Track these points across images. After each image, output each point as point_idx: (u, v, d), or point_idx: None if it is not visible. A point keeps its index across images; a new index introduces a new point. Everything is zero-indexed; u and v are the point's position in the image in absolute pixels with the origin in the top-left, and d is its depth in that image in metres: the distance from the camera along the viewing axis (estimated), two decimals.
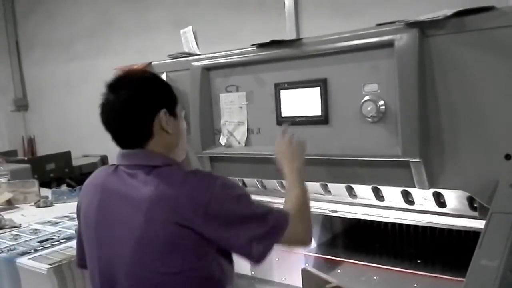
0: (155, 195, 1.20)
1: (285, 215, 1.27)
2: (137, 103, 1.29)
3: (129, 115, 1.29)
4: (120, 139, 1.33)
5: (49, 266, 1.72)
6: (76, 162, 4.80)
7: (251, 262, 1.27)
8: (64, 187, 3.16)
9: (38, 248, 1.94)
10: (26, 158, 4.79)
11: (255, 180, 2.00)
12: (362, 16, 3.37)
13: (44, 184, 3.75)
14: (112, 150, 2.29)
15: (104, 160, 4.90)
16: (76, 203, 2.78)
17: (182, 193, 1.19)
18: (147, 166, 1.27)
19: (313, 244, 2.01)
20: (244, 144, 1.79)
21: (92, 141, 5.31)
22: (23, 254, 1.89)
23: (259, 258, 1.21)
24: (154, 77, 1.39)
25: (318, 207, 1.91)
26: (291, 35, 3.77)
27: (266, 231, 1.22)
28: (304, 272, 1.48)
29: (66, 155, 4.70)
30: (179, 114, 1.38)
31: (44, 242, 2.02)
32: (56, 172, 4.49)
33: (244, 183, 2.07)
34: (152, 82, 1.36)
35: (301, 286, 1.55)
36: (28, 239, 2.11)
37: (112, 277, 1.29)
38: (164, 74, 1.96)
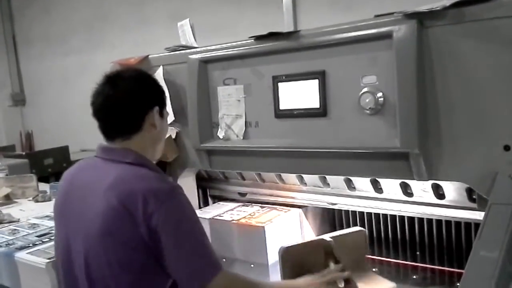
0: (111, 183, 1.27)
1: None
2: (136, 96, 1.38)
3: (126, 106, 1.36)
4: (109, 128, 1.39)
5: (48, 260, 1.72)
6: (74, 156, 4.77)
7: None
8: None
9: (37, 243, 1.94)
10: (24, 153, 4.77)
11: (254, 173, 2.00)
12: (361, 8, 3.35)
13: (42, 178, 3.74)
14: None
15: None
16: None
17: (136, 198, 1.22)
18: (120, 161, 1.34)
19: (313, 236, 2.01)
20: (242, 137, 1.78)
21: (89, 135, 5.27)
22: (21, 248, 1.89)
23: None
24: (150, 76, 1.50)
25: (317, 199, 1.91)
26: (289, 28, 3.76)
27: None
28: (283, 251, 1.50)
29: (64, 150, 4.68)
30: (165, 115, 1.49)
31: (43, 237, 2.02)
32: (54, 167, 4.47)
33: (242, 176, 2.07)
34: (150, 80, 1.47)
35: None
36: (26, 233, 2.11)
37: (72, 268, 1.34)
38: (161, 67, 1.95)
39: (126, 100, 1.36)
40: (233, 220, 1.96)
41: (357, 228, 1.67)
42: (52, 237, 1.99)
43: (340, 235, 1.61)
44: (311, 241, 1.62)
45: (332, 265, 1.47)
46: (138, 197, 1.21)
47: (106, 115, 1.38)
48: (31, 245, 1.92)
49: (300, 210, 1.98)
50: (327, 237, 1.55)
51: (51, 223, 2.24)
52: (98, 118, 1.40)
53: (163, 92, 1.48)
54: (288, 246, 1.52)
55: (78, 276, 1.32)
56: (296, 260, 1.50)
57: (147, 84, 1.43)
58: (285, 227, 1.93)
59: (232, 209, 2.10)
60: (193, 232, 1.25)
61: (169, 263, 1.22)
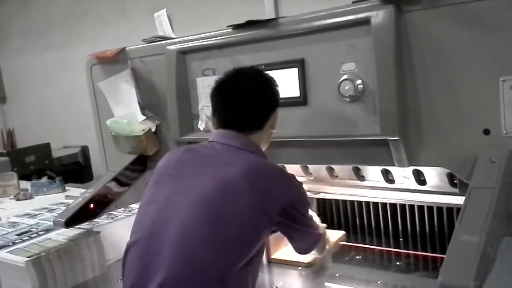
0: (246, 170, 1.29)
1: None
2: (268, 96, 1.44)
3: (259, 104, 1.42)
4: (236, 120, 1.41)
5: (28, 258, 1.69)
6: (56, 153, 4.71)
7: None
8: (44, 179, 3.11)
9: (16, 241, 1.91)
10: (4, 151, 4.69)
11: None
12: None
13: (25, 176, 3.69)
14: (93, 141, 2.23)
15: (85, 150, 4.83)
16: (55, 194, 2.75)
17: (271, 182, 1.32)
18: (243, 149, 1.38)
19: None
20: None
21: (72, 131, 5.23)
22: (1, 247, 1.85)
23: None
24: (273, 78, 1.50)
25: None
26: None
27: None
28: None
29: (46, 147, 4.60)
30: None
31: (23, 235, 1.99)
32: (36, 164, 4.40)
33: None
34: (274, 82, 1.48)
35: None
36: (6, 232, 2.07)
37: (162, 228, 1.27)
38: (129, 62, 1.91)
39: (261, 97, 1.42)
40: None
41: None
42: (32, 236, 1.96)
43: None
44: None
45: None
46: (273, 179, 1.32)
47: (237, 108, 1.41)
48: (10, 243, 1.89)
49: None
50: None
51: (31, 221, 2.21)
52: (224, 108, 1.43)
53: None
54: None
55: (167, 236, 1.25)
56: None
57: (273, 86, 1.47)
58: None
59: None
60: (307, 214, 1.43)
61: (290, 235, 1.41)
